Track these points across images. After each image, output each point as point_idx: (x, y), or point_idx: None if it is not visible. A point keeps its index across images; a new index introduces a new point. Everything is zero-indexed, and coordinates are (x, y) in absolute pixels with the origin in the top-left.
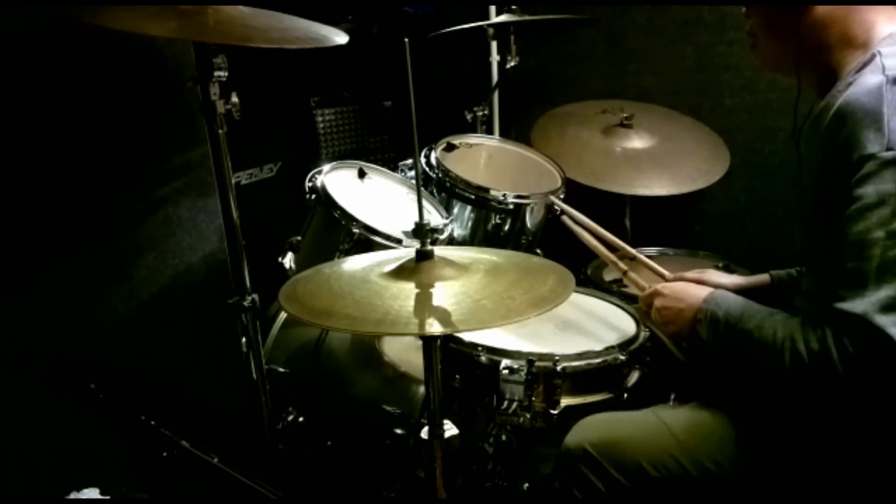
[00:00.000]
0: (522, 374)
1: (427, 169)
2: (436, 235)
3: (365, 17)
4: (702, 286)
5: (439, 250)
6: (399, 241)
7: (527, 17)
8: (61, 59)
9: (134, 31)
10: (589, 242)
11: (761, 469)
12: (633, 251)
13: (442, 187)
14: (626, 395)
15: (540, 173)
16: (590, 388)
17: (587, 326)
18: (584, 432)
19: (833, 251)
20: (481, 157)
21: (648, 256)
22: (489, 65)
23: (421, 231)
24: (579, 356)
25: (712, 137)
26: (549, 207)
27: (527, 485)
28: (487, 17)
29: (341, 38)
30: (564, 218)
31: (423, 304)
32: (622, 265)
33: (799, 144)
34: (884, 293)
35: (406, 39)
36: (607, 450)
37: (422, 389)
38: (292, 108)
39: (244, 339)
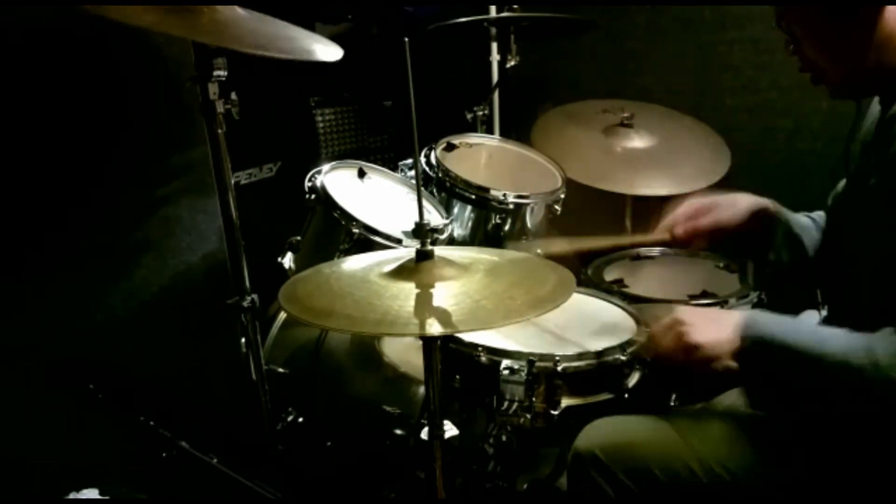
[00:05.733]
0: (523, 374)
1: (427, 169)
2: (436, 235)
3: (365, 17)
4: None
5: (439, 250)
6: (399, 241)
7: (527, 14)
8: (61, 59)
9: (135, 23)
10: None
11: (777, 479)
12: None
13: (442, 187)
14: (626, 396)
15: (540, 173)
16: (590, 389)
17: (588, 327)
18: (595, 436)
19: None
20: (481, 156)
21: (648, 256)
22: (489, 65)
23: (421, 231)
24: (580, 356)
25: (713, 137)
26: (550, 207)
27: (527, 485)
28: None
29: (336, 51)
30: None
31: (423, 304)
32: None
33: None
34: None
35: (406, 39)
36: (617, 454)
37: (422, 390)
38: (292, 108)
39: (244, 340)
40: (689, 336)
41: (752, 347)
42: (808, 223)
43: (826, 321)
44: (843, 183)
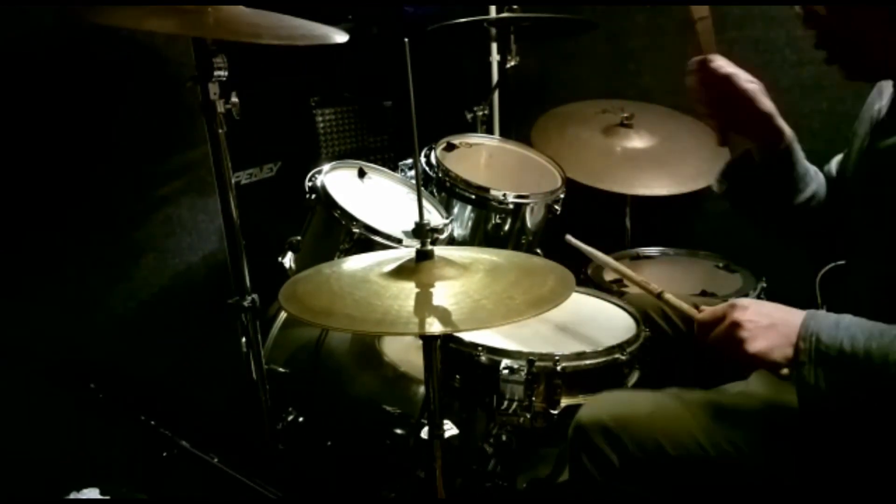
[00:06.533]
0: (523, 374)
1: (427, 169)
2: (436, 235)
3: (365, 17)
4: (785, 308)
5: (439, 250)
6: (399, 241)
7: (527, 14)
8: (61, 59)
9: (138, 28)
10: (613, 267)
11: (783, 458)
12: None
13: (442, 187)
14: None
15: (540, 173)
16: (590, 388)
17: (587, 326)
18: (603, 406)
19: None
20: (481, 156)
21: (648, 256)
22: (489, 65)
23: (421, 231)
24: (579, 356)
25: (712, 137)
26: (550, 207)
27: (526, 484)
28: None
29: (341, 36)
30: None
31: (423, 303)
32: (654, 286)
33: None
34: None
35: (406, 39)
36: (627, 424)
37: (422, 389)
38: (292, 108)
39: (244, 339)
40: (746, 345)
41: (809, 360)
42: (811, 172)
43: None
44: (835, 160)
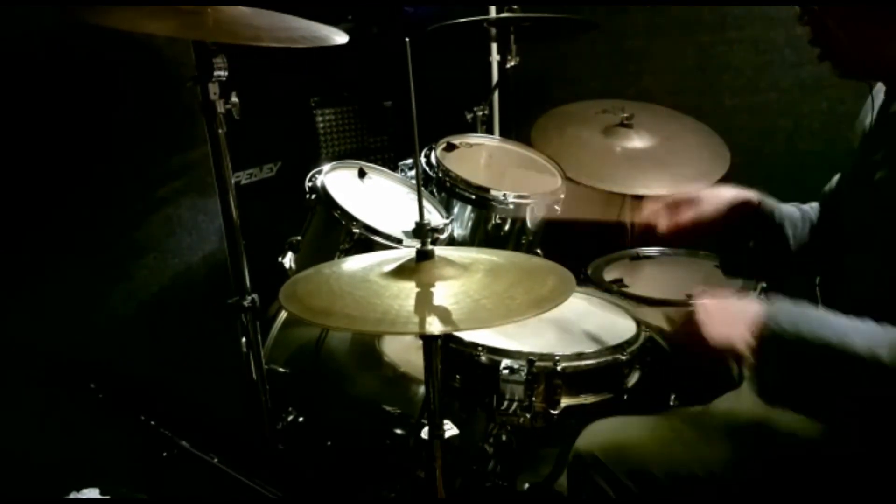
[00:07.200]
0: (523, 374)
1: (427, 169)
2: (436, 235)
3: (365, 17)
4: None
5: (439, 250)
6: (399, 241)
7: (527, 14)
8: (61, 59)
9: (136, 30)
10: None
11: (776, 479)
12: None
13: (442, 187)
14: (626, 396)
15: (540, 173)
16: (590, 389)
17: (588, 326)
18: (594, 437)
19: None
20: (481, 156)
21: (648, 256)
22: (489, 65)
23: (421, 231)
24: (579, 356)
25: (712, 137)
26: (550, 207)
27: (527, 485)
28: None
29: (341, 37)
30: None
31: (423, 303)
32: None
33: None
34: None
35: (406, 39)
36: (617, 455)
37: (422, 389)
38: (292, 108)
39: (244, 339)
40: (704, 331)
41: (766, 344)
42: (794, 213)
43: None
44: (836, 178)
